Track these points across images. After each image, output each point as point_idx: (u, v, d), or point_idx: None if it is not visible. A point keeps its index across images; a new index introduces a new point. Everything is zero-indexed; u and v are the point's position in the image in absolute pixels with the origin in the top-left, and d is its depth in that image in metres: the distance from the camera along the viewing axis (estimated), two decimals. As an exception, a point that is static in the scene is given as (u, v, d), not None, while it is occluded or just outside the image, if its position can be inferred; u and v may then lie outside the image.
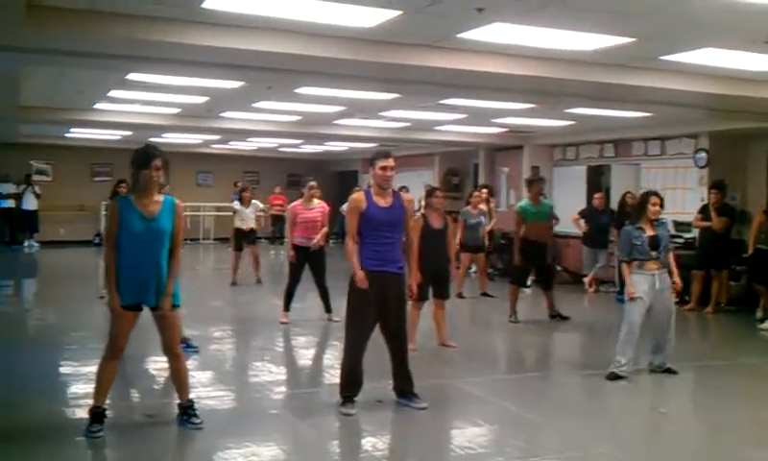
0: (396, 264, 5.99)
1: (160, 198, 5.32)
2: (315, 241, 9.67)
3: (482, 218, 12.81)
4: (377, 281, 5.87)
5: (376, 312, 5.94)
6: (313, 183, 9.93)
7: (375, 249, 5.88)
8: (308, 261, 9.78)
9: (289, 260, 9.86)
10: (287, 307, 9.79)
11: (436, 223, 8.33)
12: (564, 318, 10.72)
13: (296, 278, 9.81)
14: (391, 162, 5.94)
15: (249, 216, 13.71)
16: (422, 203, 8.78)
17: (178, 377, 5.58)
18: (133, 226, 5.16)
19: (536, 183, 10.81)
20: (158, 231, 5.22)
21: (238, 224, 13.72)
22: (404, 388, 6.17)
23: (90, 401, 5.39)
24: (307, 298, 10.44)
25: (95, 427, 5.22)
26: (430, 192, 8.63)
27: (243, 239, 13.60)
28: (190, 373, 7.34)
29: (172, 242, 5.30)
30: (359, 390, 6.06)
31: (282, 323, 9.64)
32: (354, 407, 5.96)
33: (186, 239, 22.98)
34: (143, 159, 5.30)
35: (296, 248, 9.75)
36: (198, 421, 5.50)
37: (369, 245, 5.91)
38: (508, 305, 10.52)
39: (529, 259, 10.51)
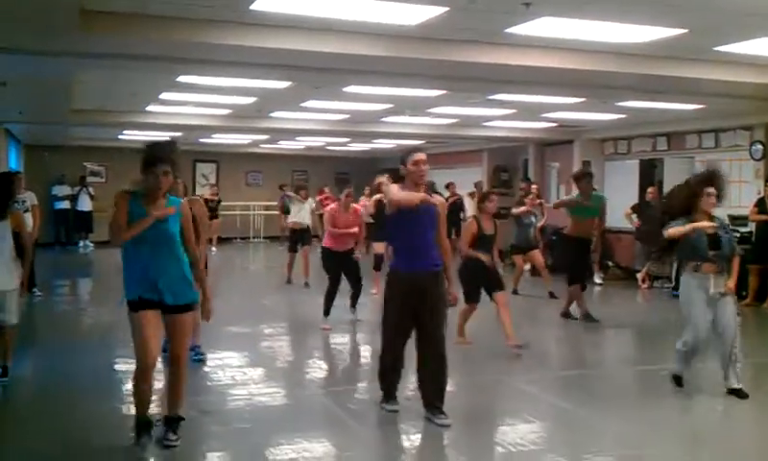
0: (430, 262, 5.71)
1: (166, 201, 5.03)
2: (355, 255, 9.66)
3: (533, 218, 12.66)
4: (410, 281, 5.65)
5: (412, 311, 5.68)
6: (350, 191, 9.96)
7: (408, 247, 5.71)
8: (342, 266, 9.60)
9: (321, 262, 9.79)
10: (327, 313, 9.50)
11: (488, 228, 8.24)
12: (573, 318, 10.20)
13: (334, 282, 9.57)
14: (423, 156, 5.73)
15: (305, 214, 13.72)
16: (472, 202, 8.77)
17: (175, 386, 5.15)
18: (142, 236, 4.87)
19: (584, 179, 10.36)
20: (165, 235, 4.94)
21: (294, 219, 13.72)
22: (433, 401, 5.71)
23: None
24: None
25: (143, 440, 4.98)
26: (484, 197, 8.57)
27: (298, 239, 13.55)
28: (242, 369, 7.53)
29: (184, 241, 5.07)
30: (396, 386, 5.92)
31: (324, 329, 9.39)
32: (396, 404, 5.87)
33: (236, 238, 23.36)
34: (148, 161, 4.96)
35: (327, 251, 9.65)
36: (174, 438, 5.06)
37: (400, 244, 5.78)
38: (566, 304, 10.29)
39: (575, 256, 10.21)
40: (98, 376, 7.18)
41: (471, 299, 8.23)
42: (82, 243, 21.44)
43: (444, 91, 10.99)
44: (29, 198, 11.58)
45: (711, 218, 6.40)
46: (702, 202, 6.37)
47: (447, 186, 18.42)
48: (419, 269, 5.65)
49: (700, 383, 7.24)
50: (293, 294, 12.68)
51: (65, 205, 21.49)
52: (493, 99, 11.69)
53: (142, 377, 4.93)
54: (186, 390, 5.26)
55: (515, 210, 12.54)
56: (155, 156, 4.97)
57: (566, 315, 10.30)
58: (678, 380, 6.72)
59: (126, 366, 7.55)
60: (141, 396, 4.98)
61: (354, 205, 9.96)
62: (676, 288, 11.27)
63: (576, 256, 10.19)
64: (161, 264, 4.94)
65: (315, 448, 5.25)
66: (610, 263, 15.14)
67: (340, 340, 9.24)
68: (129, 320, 4.96)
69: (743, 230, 12.43)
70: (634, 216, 13.82)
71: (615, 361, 8.79)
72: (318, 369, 8.00)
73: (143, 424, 5.04)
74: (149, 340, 4.86)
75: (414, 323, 5.74)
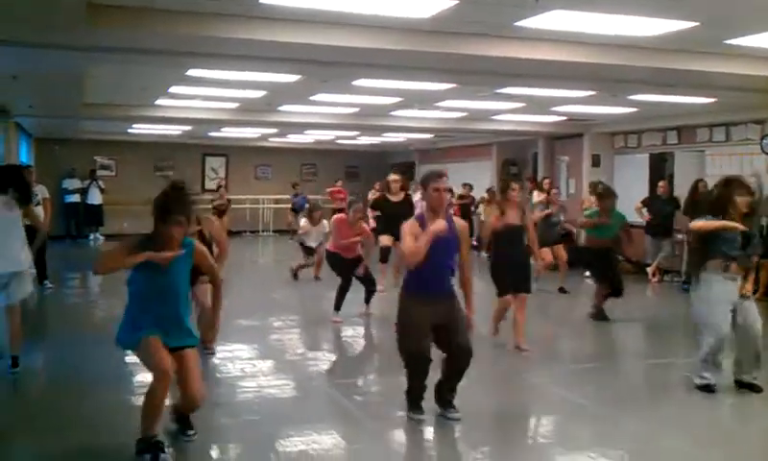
0: (444, 286, 5.57)
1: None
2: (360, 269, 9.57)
3: (561, 215, 12.57)
4: (424, 303, 5.45)
5: (429, 329, 5.49)
6: (359, 207, 9.83)
7: (423, 275, 5.45)
8: (351, 271, 9.59)
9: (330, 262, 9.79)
10: (338, 307, 9.54)
11: (513, 218, 7.97)
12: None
13: (346, 281, 9.58)
14: (444, 183, 5.56)
15: (315, 237, 12.93)
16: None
17: (190, 403, 5.00)
18: (149, 278, 4.74)
19: (609, 198, 10.02)
20: (169, 285, 4.80)
21: (302, 239, 13.19)
22: (447, 396, 5.71)
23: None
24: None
25: (161, 458, 4.64)
26: (505, 186, 8.25)
27: (307, 250, 13.27)
28: (252, 361, 7.60)
29: (204, 271, 5.00)
30: (422, 396, 5.67)
31: (335, 322, 9.44)
32: (423, 413, 5.63)
33: (246, 231, 23.40)
34: (161, 212, 4.68)
35: (334, 256, 9.67)
36: (192, 432, 5.09)
37: (417, 273, 5.47)
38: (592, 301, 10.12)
39: (598, 267, 9.99)
40: (108, 369, 7.20)
41: (502, 293, 8.00)
42: (92, 236, 21.54)
43: (453, 85, 10.97)
44: (40, 191, 11.63)
45: (744, 220, 6.29)
46: (735, 203, 6.28)
47: (464, 186, 18.32)
48: (432, 291, 5.50)
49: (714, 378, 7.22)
50: (303, 288, 12.69)
51: (76, 198, 21.58)
52: (503, 92, 11.66)
53: (160, 387, 4.65)
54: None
55: (537, 213, 12.28)
56: (168, 207, 4.68)
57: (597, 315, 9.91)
58: (708, 388, 6.42)
59: (136, 358, 7.60)
60: (155, 410, 4.70)
61: (363, 223, 9.82)
62: (686, 282, 11.26)
63: (600, 263, 9.90)
64: (163, 313, 4.80)
65: (324, 439, 5.27)
66: (620, 257, 15.08)
67: (350, 333, 9.27)
68: (136, 353, 4.89)
69: (754, 224, 12.38)
70: (644, 210, 13.77)
71: (626, 355, 8.78)
72: (327, 362, 8.02)
73: (152, 444, 4.67)
74: (158, 350, 4.68)
75: (434, 336, 5.53)
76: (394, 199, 11.89)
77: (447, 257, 5.56)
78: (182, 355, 4.81)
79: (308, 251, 13.20)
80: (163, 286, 4.76)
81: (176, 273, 4.78)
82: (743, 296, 6.42)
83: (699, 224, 6.31)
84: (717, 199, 6.39)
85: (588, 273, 11.60)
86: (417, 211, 7.71)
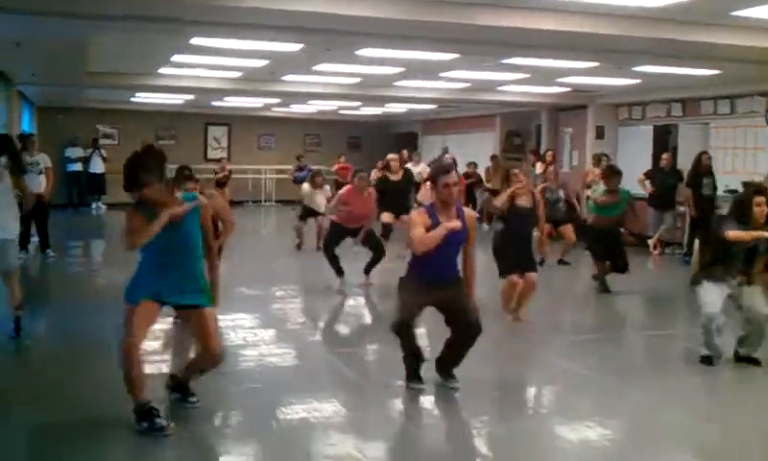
0: (451, 272, 5.58)
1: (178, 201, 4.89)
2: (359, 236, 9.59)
3: (560, 192, 12.48)
4: (429, 288, 5.48)
5: (427, 301, 5.56)
6: (363, 174, 9.87)
7: (430, 264, 5.46)
8: (353, 236, 9.65)
9: (327, 231, 9.83)
10: (340, 272, 9.58)
11: (524, 201, 7.90)
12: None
13: (333, 246, 9.65)
14: (454, 178, 5.53)
15: (319, 202, 13.26)
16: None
17: (203, 366, 5.09)
18: (163, 235, 4.69)
19: (614, 177, 9.93)
20: (182, 236, 4.80)
21: (308, 204, 13.49)
22: (448, 367, 5.74)
23: (155, 358, 5.49)
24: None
25: (157, 423, 4.65)
26: (506, 175, 8.28)
27: (310, 214, 13.43)
28: (253, 330, 7.63)
29: (204, 238, 4.95)
30: (419, 366, 5.71)
31: (338, 290, 9.49)
32: (421, 383, 5.66)
33: (248, 201, 23.39)
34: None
35: (338, 226, 9.66)
36: (195, 399, 5.14)
37: (423, 260, 5.46)
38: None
39: (602, 248, 9.90)
40: (110, 337, 7.22)
41: (504, 272, 7.91)
42: (94, 205, 21.54)
43: (457, 55, 10.90)
44: (42, 160, 11.66)
45: (764, 227, 6.22)
46: (753, 212, 6.21)
47: (468, 166, 18.29)
48: (439, 276, 5.51)
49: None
50: (305, 258, 12.71)
51: (78, 167, 21.55)
52: (508, 63, 11.59)
53: (125, 358, 4.61)
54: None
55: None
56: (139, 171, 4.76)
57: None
58: (708, 360, 6.44)
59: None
60: (132, 380, 4.63)
61: (370, 189, 9.87)
62: (687, 254, 11.27)
63: (606, 242, 9.83)
64: (177, 269, 4.82)
65: (324, 407, 5.31)
66: (621, 229, 15.08)
67: (350, 303, 9.29)
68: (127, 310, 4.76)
69: (757, 197, 12.34)
70: (647, 182, 13.74)
71: (627, 326, 8.81)
72: (328, 331, 8.06)
73: (145, 411, 4.68)
74: (141, 321, 4.70)
75: (444, 316, 5.62)
76: (394, 178, 11.90)
77: (455, 247, 5.54)
78: (198, 313, 4.85)
79: (303, 217, 13.37)
80: (177, 242, 4.78)
81: (187, 227, 4.82)
82: (745, 282, 6.38)
83: (734, 234, 6.16)
84: (741, 206, 6.35)
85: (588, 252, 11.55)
86: (425, 202, 7.77)
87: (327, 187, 13.91)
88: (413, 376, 5.69)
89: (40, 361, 6.66)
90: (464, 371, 5.69)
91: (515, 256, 7.85)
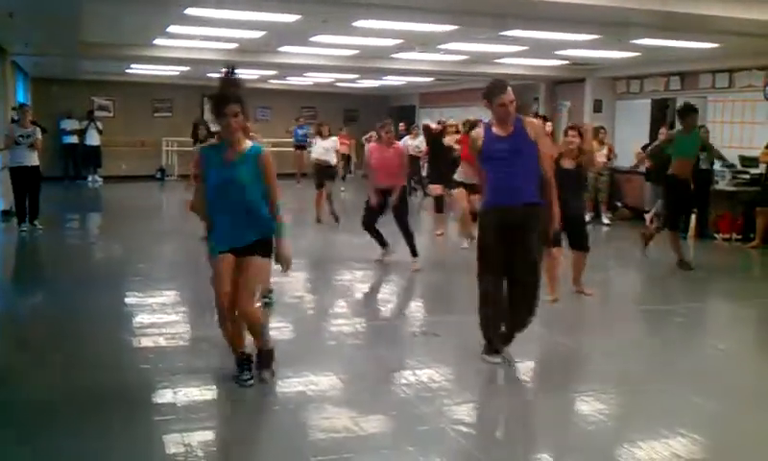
0: (522, 196, 5.38)
1: (246, 146, 4.91)
2: (393, 198, 9.24)
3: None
4: (500, 215, 5.40)
5: (504, 250, 5.42)
6: (388, 121, 9.65)
7: (496, 181, 5.43)
8: (386, 204, 9.40)
9: (370, 205, 9.42)
10: (383, 243, 9.51)
11: (567, 163, 7.65)
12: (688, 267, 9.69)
13: (371, 224, 9.51)
14: (510, 96, 5.35)
15: (329, 151, 13.57)
16: None
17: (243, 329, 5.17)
18: (211, 175, 4.86)
19: (690, 115, 9.62)
20: (233, 180, 4.80)
21: (317, 156, 13.60)
22: (504, 335, 5.66)
23: (154, 331, 5.50)
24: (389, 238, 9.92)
25: (244, 375, 5.06)
26: (566, 131, 8.05)
27: (323, 175, 13.44)
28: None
29: (264, 192, 4.90)
30: (496, 336, 5.62)
31: (379, 260, 9.50)
32: (498, 357, 5.62)
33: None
34: (215, 107, 4.81)
35: (368, 206, 9.44)
36: (267, 373, 5.19)
37: (490, 179, 5.48)
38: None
39: (679, 199, 9.76)
40: (109, 309, 7.25)
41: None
42: (90, 178, 21.45)
43: (455, 26, 10.82)
44: (34, 133, 11.64)
45: None
46: None
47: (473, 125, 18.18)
48: (509, 204, 5.39)
49: (701, 320, 7.28)
50: (307, 231, 12.68)
51: (74, 139, 21.44)
52: (506, 35, 11.51)
53: (220, 317, 4.94)
54: (260, 330, 5.15)
55: None
56: (220, 99, 4.80)
57: (683, 265, 9.69)
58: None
59: (135, 299, 7.66)
60: (227, 335, 5.03)
61: (396, 143, 9.65)
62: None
63: (677, 199, 9.75)
64: (234, 212, 4.86)
65: (321, 380, 5.31)
66: (618, 204, 15.10)
67: (349, 277, 9.26)
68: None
69: (754, 171, 12.35)
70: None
71: (620, 300, 8.82)
72: (326, 304, 8.04)
73: (238, 361, 5.10)
74: (221, 275, 4.85)
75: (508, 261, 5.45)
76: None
77: (519, 160, 5.35)
78: (242, 266, 4.88)
79: (319, 184, 13.42)
80: (227, 180, 4.81)
81: (239, 169, 4.82)
82: None
83: None
84: None
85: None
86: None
87: (334, 138, 14.14)
88: (488, 347, 5.62)
89: (43, 335, 6.63)
90: (457, 342, 5.66)
91: (567, 228, 7.24)
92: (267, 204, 4.93)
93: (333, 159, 13.62)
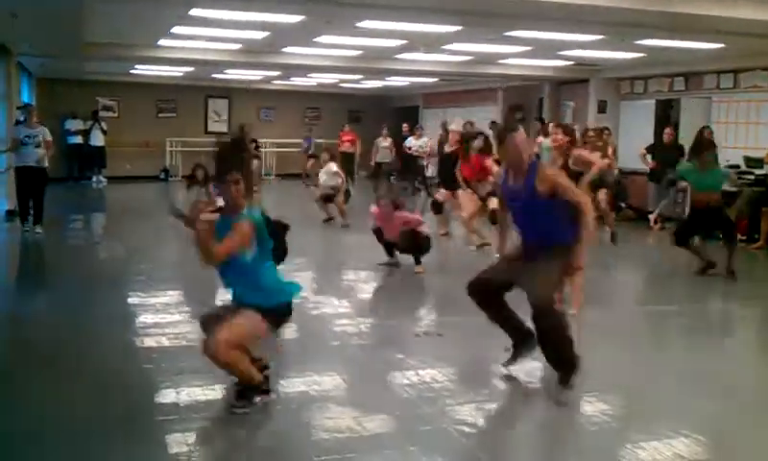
0: (533, 238, 5.23)
1: (242, 212, 4.55)
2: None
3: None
4: (522, 254, 5.31)
5: (511, 269, 5.30)
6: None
7: (517, 226, 5.41)
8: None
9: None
10: (391, 254, 9.55)
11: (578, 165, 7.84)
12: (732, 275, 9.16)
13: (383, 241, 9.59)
14: (521, 134, 5.19)
15: (333, 176, 13.47)
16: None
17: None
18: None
19: (709, 148, 9.47)
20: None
21: (323, 192, 13.52)
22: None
23: (157, 331, 5.48)
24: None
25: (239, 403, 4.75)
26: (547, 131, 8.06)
27: (328, 199, 13.45)
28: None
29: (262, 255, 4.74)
30: (514, 345, 5.53)
31: (383, 265, 9.52)
32: (508, 365, 5.54)
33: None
34: (217, 168, 4.56)
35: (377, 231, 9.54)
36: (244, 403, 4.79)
37: (513, 220, 5.46)
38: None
39: (699, 224, 9.44)
40: (113, 311, 7.25)
41: None
42: (95, 178, 21.47)
43: (459, 27, 10.82)
44: (41, 133, 11.63)
45: None
46: None
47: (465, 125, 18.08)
48: (524, 241, 5.34)
49: (701, 320, 7.26)
50: (313, 233, 12.66)
51: (78, 139, 21.47)
52: (511, 36, 11.51)
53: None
54: (240, 374, 4.72)
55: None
56: (226, 160, 4.54)
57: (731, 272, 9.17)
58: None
59: (139, 300, 7.66)
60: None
61: (396, 214, 9.37)
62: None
63: (700, 224, 9.43)
64: (232, 278, 4.75)
65: (324, 380, 5.31)
66: (622, 204, 15.07)
67: (353, 278, 9.26)
68: None
69: (758, 172, 12.32)
70: (648, 157, 13.70)
71: (623, 301, 8.79)
72: (329, 305, 8.03)
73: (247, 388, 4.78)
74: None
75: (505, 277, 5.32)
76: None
77: (528, 208, 5.16)
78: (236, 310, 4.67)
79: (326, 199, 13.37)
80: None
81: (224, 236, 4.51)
82: None
83: None
84: None
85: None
86: None
87: (332, 164, 13.65)
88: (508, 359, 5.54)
89: (48, 337, 6.61)
90: (451, 340, 5.63)
91: None
92: (268, 269, 4.82)
93: (338, 181, 13.42)
